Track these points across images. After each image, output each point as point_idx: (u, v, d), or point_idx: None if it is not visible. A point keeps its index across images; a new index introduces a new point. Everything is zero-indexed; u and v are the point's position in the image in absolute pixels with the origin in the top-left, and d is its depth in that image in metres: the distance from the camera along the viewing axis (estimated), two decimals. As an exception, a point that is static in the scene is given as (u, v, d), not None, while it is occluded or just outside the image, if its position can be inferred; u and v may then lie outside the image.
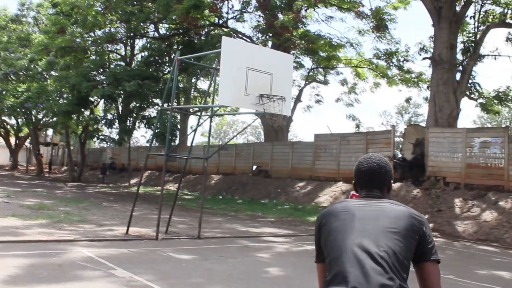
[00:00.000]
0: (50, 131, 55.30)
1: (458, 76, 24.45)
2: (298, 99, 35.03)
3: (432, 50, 25.19)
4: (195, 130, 14.26)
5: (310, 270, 8.92)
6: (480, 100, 28.15)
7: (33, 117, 41.73)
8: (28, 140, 52.17)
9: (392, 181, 2.63)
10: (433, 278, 2.28)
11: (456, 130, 21.20)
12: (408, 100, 41.81)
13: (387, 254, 2.17)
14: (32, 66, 36.32)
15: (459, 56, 25.66)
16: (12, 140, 54.04)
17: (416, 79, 32.85)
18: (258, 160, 30.32)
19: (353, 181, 2.66)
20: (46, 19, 38.00)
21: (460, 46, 26.16)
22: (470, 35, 26.95)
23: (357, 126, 38.18)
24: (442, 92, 22.97)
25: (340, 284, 2.13)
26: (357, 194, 8.55)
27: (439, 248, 12.77)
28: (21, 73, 38.68)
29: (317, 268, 2.48)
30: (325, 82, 37.55)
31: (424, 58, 26.94)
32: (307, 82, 36.48)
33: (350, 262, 2.16)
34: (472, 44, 26.02)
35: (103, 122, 33.64)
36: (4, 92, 36.66)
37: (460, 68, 25.09)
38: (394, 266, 2.16)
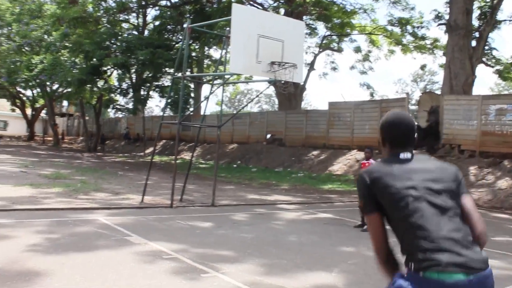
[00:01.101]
0: (65, 102, 55.66)
1: (474, 42, 24.05)
2: (311, 67, 34.80)
3: (447, 16, 24.75)
4: (207, 98, 14.28)
5: (322, 236, 9.03)
6: (497, 67, 27.76)
7: (48, 89, 41.97)
8: (44, 111, 52.60)
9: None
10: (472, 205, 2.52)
11: (472, 97, 20.96)
12: (423, 67, 41.37)
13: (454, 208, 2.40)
14: (45, 37, 36.39)
15: (475, 22, 25.21)
16: (29, 111, 54.51)
17: (431, 46, 32.39)
18: (272, 128, 30.34)
19: (382, 139, 2.68)
20: (58, -11, 37.85)
21: (476, 12, 25.69)
22: (487, 0, 26.40)
23: (371, 94, 37.95)
24: (457, 59, 22.65)
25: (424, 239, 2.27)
26: (369, 162, 8.56)
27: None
28: (34, 44, 38.75)
29: (372, 218, 2.48)
30: (339, 50, 37.18)
31: (439, 24, 26.55)
32: (320, 50, 36.16)
33: (429, 219, 2.31)
34: (488, 9, 25.51)
35: (117, 91, 33.81)
36: (18, 64, 36.82)
37: (476, 34, 24.67)
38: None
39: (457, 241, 2.27)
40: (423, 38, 31.62)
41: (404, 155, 2.56)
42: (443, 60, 28.48)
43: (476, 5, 25.52)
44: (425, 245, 2.24)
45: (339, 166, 23.12)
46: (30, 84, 38.06)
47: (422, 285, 2.19)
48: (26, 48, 40.60)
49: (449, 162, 19.19)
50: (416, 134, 2.65)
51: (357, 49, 36.04)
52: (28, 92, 49.32)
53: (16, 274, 5.41)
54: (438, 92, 31.67)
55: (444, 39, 28.00)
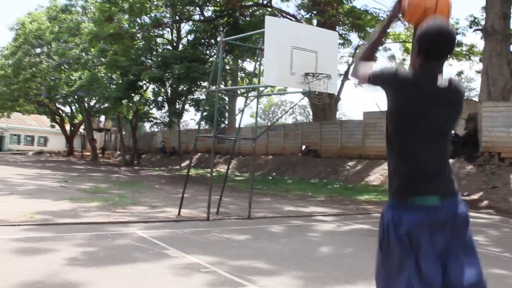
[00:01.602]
0: (102, 117, 56.83)
1: (512, 47, 23.52)
2: (346, 77, 34.61)
3: (483, 21, 24.28)
4: (242, 111, 14.32)
5: (360, 248, 8.90)
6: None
7: (86, 104, 42.92)
8: (82, 127, 53.80)
9: None
10: None
11: (511, 103, 20.46)
12: (459, 73, 40.62)
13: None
14: (83, 54, 37.30)
15: (513, 27, 24.65)
16: (67, 127, 55.80)
17: (467, 52, 31.82)
18: (307, 140, 30.24)
19: (416, 49, 2.66)
20: (94, 7, 38.83)
21: (514, 16, 25.10)
22: (526, 3, 25.78)
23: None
24: (495, 65, 22.17)
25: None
26: None
27: (495, 226, 12.49)
28: (71, 62, 39.75)
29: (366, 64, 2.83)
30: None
31: (475, 30, 26.04)
32: (354, 59, 35.95)
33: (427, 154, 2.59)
34: (527, 13, 24.90)
35: (153, 105, 34.31)
36: (57, 81, 37.81)
37: (515, 39, 24.10)
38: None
39: (441, 171, 2.61)
40: (459, 44, 31.11)
41: (441, 80, 2.57)
42: (479, 66, 27.93)
43: (513, 9, 24.97)
44: (416, 174, 2.57)
45: (375, 177, 22.85)
46: (69, 100, 39.00)
47: (409, 210, 2.56)
48: (65, 66, 41.69)
49: (489, 170, 18.78)
50: (453, 47, 2.70)
51: (392, 57, 35.73)
52: (67, 108, 50.56)
53: (56, 287, 5.50)
54: (476, 99, 31.01)
55: (480, 44, 27.48)
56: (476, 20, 27.02)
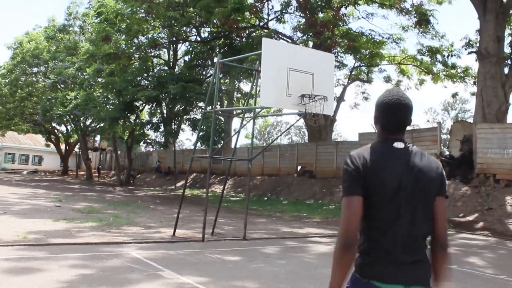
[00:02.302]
0: (98, 137, 56.78)
1: (506, 70, 23.73)
2: (341, 98, 34.76)
3: (478, 44, 24.54)
4: (238, 132, 14.34)
5: (356, 270, 8.85)
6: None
7: (81, 124, 42.92)
8: (77, 146, 53.67)
9: None
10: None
11: (506, 125, 20.58)
12: (454, 95, 40.95)
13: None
14: (79, 74, 37.41)
15: (507, 49, 24.91)
16: (62, 146, 55.70)
17: (462, 74, 32.06)
18: (302, 160, 30.24)
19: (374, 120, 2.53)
20: (91, 27, 39.07)
21: (508, 39, 25.41)
22: (518, 27, 26.14)
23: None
24: (489, 87, 22.34)
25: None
26: None
27: (491, 248, 12.43)
28: (68, 81, 39.84)
29: (355, 200, 2.34)
30: (369, 80, 37.13)
31: (470, 52, 26.25)
32: (349, 81, 36.15)
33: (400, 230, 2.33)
34: (520, 36, 25.23)
35: (148, 126, 34.32)
36: (53, 100, 37.83)
37: (509, 61, 24.34)
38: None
39: (413, 252, 2.35)
40: (453, 66, 31.35)
41: (398, 144, 2.41)
42: (474, 88, 28.15)
43: (507, 32, 25.27)
44: (380, 252, 2.33)
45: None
46: (65, 119, 38.99)
47: None
48: (61, 85, 41.77)
49: (484, 191, 18.79)
50: (411, 117, 2.47)
51: (387, 79, 35.93)
52: (62, 128, 50.55)
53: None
54: (470, 120, 31.21)
55: (475, 66, 27.71)
56: (470, 42, 27.29)
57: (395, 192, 2.31)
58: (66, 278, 6.88)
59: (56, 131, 53.80)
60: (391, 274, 2.29)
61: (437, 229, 2.42)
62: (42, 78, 47.23)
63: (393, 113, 2.42)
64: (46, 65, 44.48)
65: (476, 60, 24.36)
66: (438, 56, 30.69)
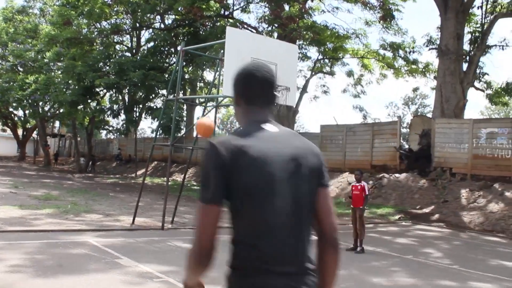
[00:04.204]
0: (57, 123, 55.59)
1: (465, 66, 24.30)
2: (304, 90, 34.93)
3: (438, 41, 25.04)
4: (200, 121, 14.25)
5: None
6: (488, 91, 28.02)
7: (40, 109, 41.91)
8: (35, 132, 52.42)
9: None
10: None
11: (463, 121, 21.11)
12: (415, 89, 41.68)
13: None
14: (39, 57, 36.45)
15: (466, 47, 25.50)
16: (20, 131, 54.33)
17: (423, 70, 32.66)
18: (264, 151, 30.34)
19: (235, 94, 2.15)
20: (52, 10, 38.06)
21: (467, 37, 26.01)
22: (478, 25, 26.74)
23: (365, 117, 38.11)
24: (448, 83, 22.86)
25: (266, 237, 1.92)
26: (361, 185, 8.57)
27: (446, 239, 12.77)
28: (29, 64, 38.80)
29: (214, 209, 1.91)
30: (332, 73, 37.39)
31: (430, 49, 26.82)
32: (313, 73, 36.35)
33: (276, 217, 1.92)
34: (479, 34, 25.83)
35: (108, 113, 33.77)
36: (11, 83, 36.80)
37: (467, 58, 24.94)
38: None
39: (298, 263, 1.94)
40: (415, 62, 31.90)
41: (266, 126, 2.03)
42: (434, 83, 28.73)
43: (467, 30, 25.84)
44: (255, 263, 1.94)
45: (330, 189, 23.04)
46: (23, 104, 38.00)
47: None
48: (20, 68, 40.65)
49: (440, 185, 19.27)
50: (275, 90, 2.12)
51: (350, 73, 36.28)
52: (20, 112, 49.25)
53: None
54: (430, 115, 31.84)
55: (436, 63, 28.30)
56: (431, 40, 27.82)
57: (271, 186, 1.91)
58: (21, 266, 6.74)
59: (13, 115, 52.39)
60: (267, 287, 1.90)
61: (323, 225, 2.03)
62: (0, 61, 45.86)
63: (258, 87, 2.07)
64: (4, 47, 43.16)
65: (436, 57, 24.91)
66: (400, 52, 31.16)
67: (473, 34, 26.47)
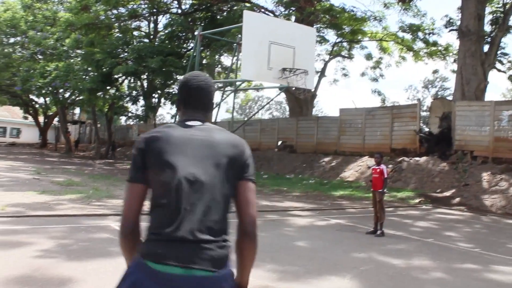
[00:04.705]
0: (77, 110, 56.11)
1: (486, 48, 23.93)
2: (322, 74, 34.78)
3: (459, 22, 24.66)
4: (218, 105, 14.32)
5: (334, 242, 9.00)
6: (510, 73, 27.60)
7: (60, 96, 42.30)
8: (56, 119, 52.98)
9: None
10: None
11: (484, 103, 20.85)
12: (435, 72, 41.20)
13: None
14: (58, 45, 36.72)
15: (487, 28, 25.12)
16: (41, 119, 54.96)
17: (443, 52, 32.26)
18: (283, 135, 30.35)
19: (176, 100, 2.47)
20: (70, -3, 38.22)
21: (488, 17, 25.59)
22: (499, 5, 26.27)
23: (383, 101, 37.83)
24: (469, 65, 22.55)
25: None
26: (380, 168, 8.56)
27: (467, 222, 12.70)
28: (48, 52, 39.11)
29: (135, 187, 2.19)
30: (350, 57, 37.15)
31: (450, 30, 26.47)
32: (331, 57, 36.14)
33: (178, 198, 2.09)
34: (501, 14, 25.38)
35: (127, 99, 33.98)
36: (31, 71, 37.16)
37: (488, 39, 24.54)
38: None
39: (194, 232, 2.05)
40: (434, 44, 31.50)
41: (191, 122, 2.27)
42: (454, 66, 28.36)
43: (488, 10, 25.41)
44: (155, 230, 2.10)
45: (350, 173, 23.05)
46: (43, 91, 38.40)
47: (147, 273, 2.05)
48: (40, 56, 41.01)
49: (461, 168, 19.10)
50: (213, 97, 2.39)
51: (368, 56, 36.00)
52: (41, 100, 49.78)
53: (27, 281, 5.44)
54: (450, 98, 31.50)
55: (455, 44, 27.93)
56: (451, 21, 27.42)
57: (172, 165, 2.13)
58: (48, 250, 6.88)
59: (34, 103, 53.00)
60: (162, 252, 2.04)
61: (241, 216, 2.23)
62: (20, 48, 46.26)
63: (192, 93, 2.34)
64: (23, 35, 43.53)
65: (457, 38, 24.55)
66: (419, 34, 30.79)
67: (494, 15, 26.01)
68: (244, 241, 2.24)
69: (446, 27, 28.03)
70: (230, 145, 2.24)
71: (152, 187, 2.18)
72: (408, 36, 32.12)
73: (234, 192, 2.23)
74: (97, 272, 5.96)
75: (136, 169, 2.21)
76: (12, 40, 46.00)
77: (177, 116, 2.48)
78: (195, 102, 2.34)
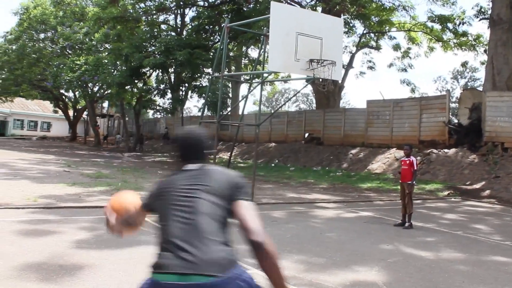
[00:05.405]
0: (106, 103, 56.81)
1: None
2: (349, 65, 34.49)
3: (490, 11, 24.15)
4: (246, 97, 14.33)
5: (361, 234, 8.96)
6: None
7: (89, 90, 42.89)
8: (85, 113, 53.76)
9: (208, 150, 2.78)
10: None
11: (516, 93, 20.41)
12: (464, 64, 40.48)
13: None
14: (87, 39, 37.21)
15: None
16: (71, 112, 55.84)
17: (473, 42, 31.64)
18: (310, 127, 30.25)
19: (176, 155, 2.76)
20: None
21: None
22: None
23: (413, 91, 37.26)
24: (500, 54, 22.08)
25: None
26: (410, 159, 8.53)
27: (497, 215, 12.50)
28: (77, 47, 39.66)
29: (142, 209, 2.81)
30: (378, 48, 36.73)
31: (481, 19, 25.91)
32: (358, 48, 35.80)
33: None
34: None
35: (155, 92, 34.25)
36: (61, 66, 37.75)
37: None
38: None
39: (189, 244, 2.27)
40: (464, 34, 30.93)
41: (189, 166, 2.59)
42: (484, 57, 27.82)
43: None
44: (158, 250, 2.38)
45: (378, 165, 22.87)
46: (73, 85, 39.00)
47: (149, 285, 2.26)
48: (69, 50, 41.61)
49: (492, 160, 18.76)
50: (203, 148, 2.66)
51: (396, 47, 35.53)
52: (71, 94, 50.54)
53: (61, 268, 5.56)
54: (480, 89, 30.94)
55: (486, 35, 27.36)
56: (482, 10, 26.87)
57: (169, 204, 2.47)
58: (77, 240, 7.01)
59: (64, 97, 53.86)
60: (162, 263, 2.27)
61: (244, 230, 2.41)
62: (50, 44, 47.03)
63: (184, 146, 2.67)
64: (53, 31, 44.23)
65: (488, 27, 24.04)
66: (449, 24, 30.26)
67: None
68: (257, 254, 2.36)
69: (477, 17, 27.47)
70: (226, 177, 2.54)
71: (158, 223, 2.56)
72: (437, 26, 31.59)
73: (230, 211, 2.47)
74: (127, 261, 6.06)
75: (144, 203, 2.81)
76: (42, 35, 46.79)
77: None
78: (189, 156, 2.65)
